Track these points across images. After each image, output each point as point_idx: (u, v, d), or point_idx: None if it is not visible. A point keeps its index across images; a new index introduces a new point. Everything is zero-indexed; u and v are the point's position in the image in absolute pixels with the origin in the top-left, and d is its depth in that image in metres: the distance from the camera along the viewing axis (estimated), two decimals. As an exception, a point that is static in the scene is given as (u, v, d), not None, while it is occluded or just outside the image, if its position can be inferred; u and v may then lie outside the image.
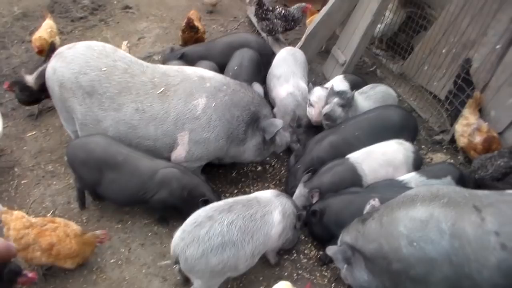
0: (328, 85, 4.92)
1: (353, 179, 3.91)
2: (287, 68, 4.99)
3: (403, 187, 3.61)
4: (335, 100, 4.44)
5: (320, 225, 3.73)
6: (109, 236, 3.71)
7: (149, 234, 3.98)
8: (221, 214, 3.21)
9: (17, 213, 3.40)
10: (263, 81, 5.06)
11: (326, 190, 3.85)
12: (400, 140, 4.07)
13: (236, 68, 4.93)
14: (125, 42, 5.76)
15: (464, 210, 2.78)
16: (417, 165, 4.02)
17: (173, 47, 5.57)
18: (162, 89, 3.92)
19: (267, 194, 3.60)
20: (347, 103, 4.45)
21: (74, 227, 3.52)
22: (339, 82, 5.00)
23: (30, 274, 3.15)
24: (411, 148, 4.05)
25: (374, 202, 3.27)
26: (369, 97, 4.68)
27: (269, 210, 3.39)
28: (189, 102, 3.91)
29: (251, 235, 3.24)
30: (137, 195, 3.81)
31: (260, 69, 5.15)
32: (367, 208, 3.28)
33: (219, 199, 3.86)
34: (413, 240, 2.84)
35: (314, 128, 4.66)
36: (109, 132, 3.95)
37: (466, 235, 2.71)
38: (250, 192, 4.42)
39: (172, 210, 3.98)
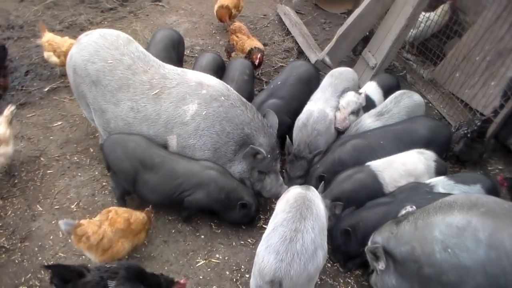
0: (362, 91, 4.86)
1: (374, 187, 3.85)
2: (322, 95, 4.66)
3: (435, 194, 3.53)
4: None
5: (354, 242, 3.62)
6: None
7: (173, 231, 3.95)
8: (301, 222, 3.06)
9: (84, 221, 3.38)
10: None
11: (347, 198, 3.77)
12: (421, 149, 4.00)
13: (279, 83, 4.74)
14: None
15: (503, 222, 2.73)
16: (440, 172, 3.93)
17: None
18: (157, 91, 3.87)
19: (304, 190, 3.40)
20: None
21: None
22: (373, 89, 4.93)
23: (182, 281, 3.12)
24: (433, 156, 3.97)
25: (411, 209, 3.21)
26: (391, 117, 4.52)
27: (318, 205, 3.29)
28: (179, 106, 3.84)
29: (324, 233, 3.17)
30: (172, 196, 3.81)
31: (309, 89, 4.82)
32: (402, 213, 3.24)
33: (257, 203, 3.86)
34: (448, 246, 2.79)
35: (299, 161, 4.30)
36: (111, 124, 3.99)
37: (503, 246, 2.65)
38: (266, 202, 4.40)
39: (207, 212, 3.99)
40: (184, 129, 3.83)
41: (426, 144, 4.09)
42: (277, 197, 3.93)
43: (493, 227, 2.71)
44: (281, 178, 4.18)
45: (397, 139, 4.17)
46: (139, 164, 3.76)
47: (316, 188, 3.57)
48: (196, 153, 3.88)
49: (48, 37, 5.31)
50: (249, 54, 5.52)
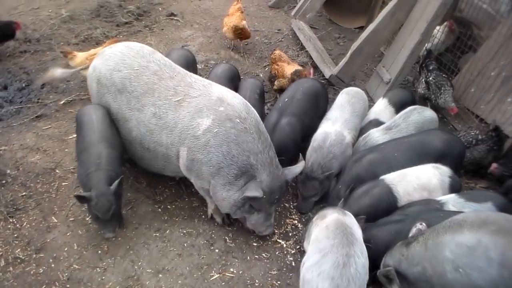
0: (372, 110, 4.92)
1: (389, 201, 3.83)
2: (341, 114, 4.61)
3: (447, 212, 3.50)
4: None
5: None
6: None
7: (187, 244, 3.95)
8: (350, 248, 3.08)
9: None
10: (320, 117, 4.74)
11: (365, 214, 3.71)
12: (437, 164, 3.97)
13: (287, 100, 4.65)
14: None
15: None
16: (455, 189, 3.88)
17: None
18: (179, 98, 3.85)
19: (341, 216, 3.41)
20: None
21: None
22: (383, 108, 4.91)
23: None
24: (448, 172, 3.92)
25: (421, 226, 3.19)
26: (399, 131, 4.49)
27: (357, 230, 3.32)
28: (195, 118, 3.76)
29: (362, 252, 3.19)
30: None
31: (316, 105, 4.75)
32: (413, 231, 3.21)
33: (104, 207, 3.68)
34: (458, 266, 2.77)
35: (311, 181, 4.27)
36: (133, 132, 3.98)
37: None
38: (289, 208, 4.43)
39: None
40: (195, 143, 3.77)
41: (440, 157, 4.07)
42: (258, 234, 4.03)
43: (505, 245, 2.67)
44: (272, 220, 4.02)
45: (411, 151, 4.13)
46: (77, 122, 4.09)
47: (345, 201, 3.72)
48: (203, 167, 3.81)
49: (84, 54, 5.43)
50: (294, 75, 5.46)
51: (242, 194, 3.72)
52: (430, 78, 5.30)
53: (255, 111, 4.01)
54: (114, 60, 4.03)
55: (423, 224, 3.20)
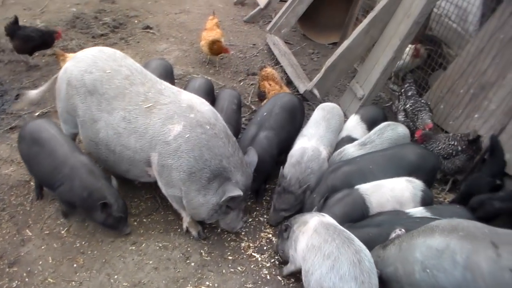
0: (345, 127, 5.03)
1: (362, 210, 3.94)
2: (316, 131, 4.71)
3: (423, 218, 3.64)
4: None
5: None
6: None
7: (163, 258, 3.95)
8: (353, 244, 3.23)
9: None
10: (297, 131, 4.86)
11: (339, 222, 3.82)
12: (411, 178, 4.08)
13: (265, 114, 4.73)
14: None
15: (481, 245, 2.82)
16: (426, 203, 4.00)
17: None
18: (150, 104, 3.92)
19: (321, 217, 3.60)
20: None
21: None
22: (355, 125, 5.02)
23: None
24: (420, 186, 4.04)
25: (400, 232, 3.34)
26: (374, 147, 4.60)
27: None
28: (165, 125, 3.86)
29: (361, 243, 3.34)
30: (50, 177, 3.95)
31: (293, 120, 4.86)
32: (392, 235, 3.37)
33: (123, 206, 3.96)
34: (426, 266, 2.94)
35: (287, 195, 4.32)
36: (100, 133, 4.01)
37: (480, 269, 2.75)
38: (263, 221, 4.45)
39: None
40: (165, 148, 3.85)
41: (414, 170, 4.19)
42: (232, 231, 4.20)
43: (470, 250, 2.82)
44: (241, 214, 4.18)
45: (387, 164, 4.26)
46: (30, 139, 3.98)
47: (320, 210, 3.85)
48: (172, 173, 3.88)
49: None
50: None
51: (222, 197, 3.85)
52: (407, 106, 5.34)
53: (221, 118, 4.16)
54: (86, 62, 4.07)
55: (402, 230, 3.34)
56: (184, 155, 3.80)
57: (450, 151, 4.74)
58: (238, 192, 3.83)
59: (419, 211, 3.80)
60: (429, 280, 2.92)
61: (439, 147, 4.78)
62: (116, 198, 3.90)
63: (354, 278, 3.05)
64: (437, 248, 2.93)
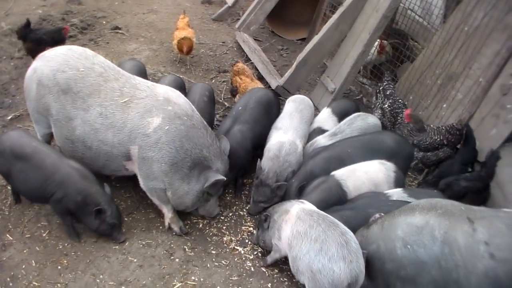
0: (316, 119, 5.13)
1: (339, 196, 4.05)
2: (291, 123, 4.79)
3: (395, 202, 3.79)
4: None
5: None
6: None
7: (147, 255, 3.97)
8: (338, 226, 3.36)
9: None
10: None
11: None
12: (383, 160, 4.22)
13: (240, 108, 4.83)
14: None
15: (457, 221, 2.98)
16: (399, 183, 4.15)
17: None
18: (126, 99, 3.96)
19: (302, 204, 3.73)
20: None
21: None
22: (326, 117, 5.13)
23: None
24: (392, 168, 4.19)
25: (379, 216, 3.48)
26: (344, 137, 4.69)
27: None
28: (144, 118, 3.92)
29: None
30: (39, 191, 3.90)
31: (269, 113, 4.95)
32: (375, 216, 3.52)
33: (117, 212, 3.99)
34: (407, 243, 3.08)
35: (263, 188, 4.38)
36: (76, 131, 4.02)
37: (456, 242, 2.90)
38: (244, 215, 4.52)
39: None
40: (146, 141, 3.91)
41: (391, 155, 4.31)
42: (210, 216, 4.40)
43: (448, 226, 2.98)
44: (217, 200, 4.43)
45: (365, 148, 4.38)
46: (11, 155, 3.88)
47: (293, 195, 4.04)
48: (153, 165, 3.95)
49: None
50: None
51: (204, 183, 4.03)
52: (386, 106, 5.40)
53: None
54: (57, 61, 4.04)
55: (382, 214, 3.48)
56: (165, 146, 3.89)
57: (436, 145, 4.91)
58: (221, 177, 4.03)
59: (396, 192, 3.94)
60: (410, 255, 3.05)
61: (427, 142, 4.93)
62: (109, 204, 3.92)
63: (342, 258, 3.19)
64: (417, 225, 3.07)
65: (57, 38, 6.13)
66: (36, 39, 5.99)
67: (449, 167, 4.70)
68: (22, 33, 6.03)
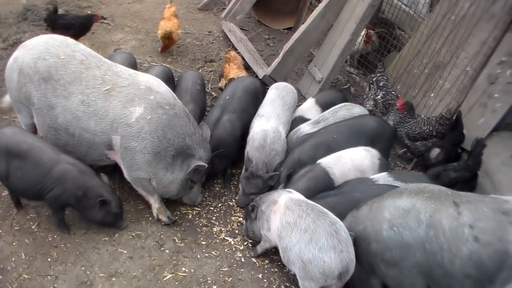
0: (299, 108, 5.17)
1: (326, 183, 4.09)
2: (273, 110, 4.79)
3: (380, 186, 3.86)
4: None
5: None
6: None
7: (136, 247, 3.97)
8: (328, 216, 3.39)
9: None
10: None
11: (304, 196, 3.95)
12: (367, 147, 4.28)
13: (227, 97, 4.84)
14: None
15: (443, 204, 3.03)
16: (384, 170, 4.20)
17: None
18: (108, 87, 3.94)
19: (290, 194, 3.75)
20: None
21: None
22: (309, 107, 5.16)
23: None
24: (377, 155, 4.25)
25: None
26: (327, 124, 4.72)
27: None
28: (126, 107, 3.92)
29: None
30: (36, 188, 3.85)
31: (256, 102, 4.99)
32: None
33: (119, 201, 4.00)
34: (394, 225, 3.13)
35: (255, 179, 4.40)
36: (58, 119, 4.00)
37: (441, 226, 2.94)
38: (233, 206, 4.53)
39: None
40: (128, 131, 3.91)
41: (374, 137, 4.43)
42: (194, 204, 4.44)
43: (433, 209, 3.03)
44: (200, 187, 4.50)
45: (350, 132, 4.44)
46: (6, 153, 3.80)
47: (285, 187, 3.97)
48: (136, 155, 3.96)
49: None
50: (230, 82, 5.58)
51: (187, 171, 4.05)
52: (379, 97, 5.41)
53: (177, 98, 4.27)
54: (38, 49, 4.00)
55: None
56: (148, 136, 3.90)
57: (425, 135, 4.96)
58: (202, 163, 4.09)
59: (382, 176, 3.99)
60: (395, 237, 3.10)
61: (416, 132, 4.98)
62: (112, 195, 3.94)
63: (333, 247, 3.22)
64: (403, 208, 3.12)
65: (85, 24, 6.16)
66: (65, 25, 5.97)
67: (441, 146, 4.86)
68: (51, 19, 6.05)
